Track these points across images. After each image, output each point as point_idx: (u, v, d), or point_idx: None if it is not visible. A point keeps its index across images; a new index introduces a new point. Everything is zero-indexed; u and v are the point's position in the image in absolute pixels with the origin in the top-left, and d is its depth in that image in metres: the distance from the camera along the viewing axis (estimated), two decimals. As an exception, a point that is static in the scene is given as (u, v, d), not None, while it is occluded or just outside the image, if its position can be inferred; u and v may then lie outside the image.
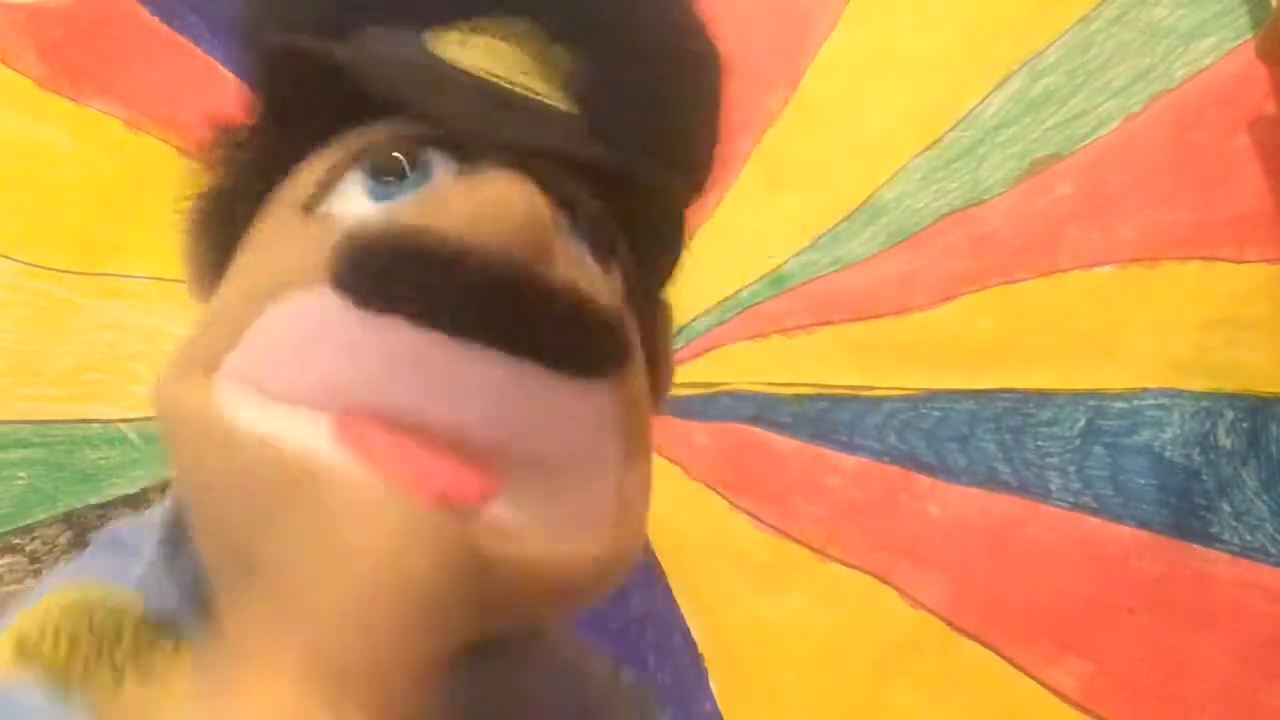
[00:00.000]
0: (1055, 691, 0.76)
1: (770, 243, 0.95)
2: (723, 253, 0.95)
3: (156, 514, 0.37)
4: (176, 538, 0.33)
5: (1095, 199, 0.91)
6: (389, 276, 0.28)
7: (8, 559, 0.83)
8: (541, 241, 0.29)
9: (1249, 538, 0.78)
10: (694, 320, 0.93)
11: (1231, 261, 0.87)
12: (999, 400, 0.86)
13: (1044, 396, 0.85)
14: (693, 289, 0.94)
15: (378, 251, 0.29)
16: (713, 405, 0.89)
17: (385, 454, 0.27)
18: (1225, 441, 0.81)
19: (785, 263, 0.94)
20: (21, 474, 0.86)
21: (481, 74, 0.35)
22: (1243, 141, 0.90)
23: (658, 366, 0.40)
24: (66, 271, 0.94)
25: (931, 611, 0.80)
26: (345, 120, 0.34)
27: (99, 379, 0.90)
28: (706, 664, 0.81)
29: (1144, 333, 0.86)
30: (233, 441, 0.28)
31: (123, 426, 0.88)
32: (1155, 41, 0.95)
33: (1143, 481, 0.81)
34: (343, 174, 0.32)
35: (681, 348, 0.92)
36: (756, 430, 0.88)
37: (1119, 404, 0.84)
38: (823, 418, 0.88)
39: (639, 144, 0.39)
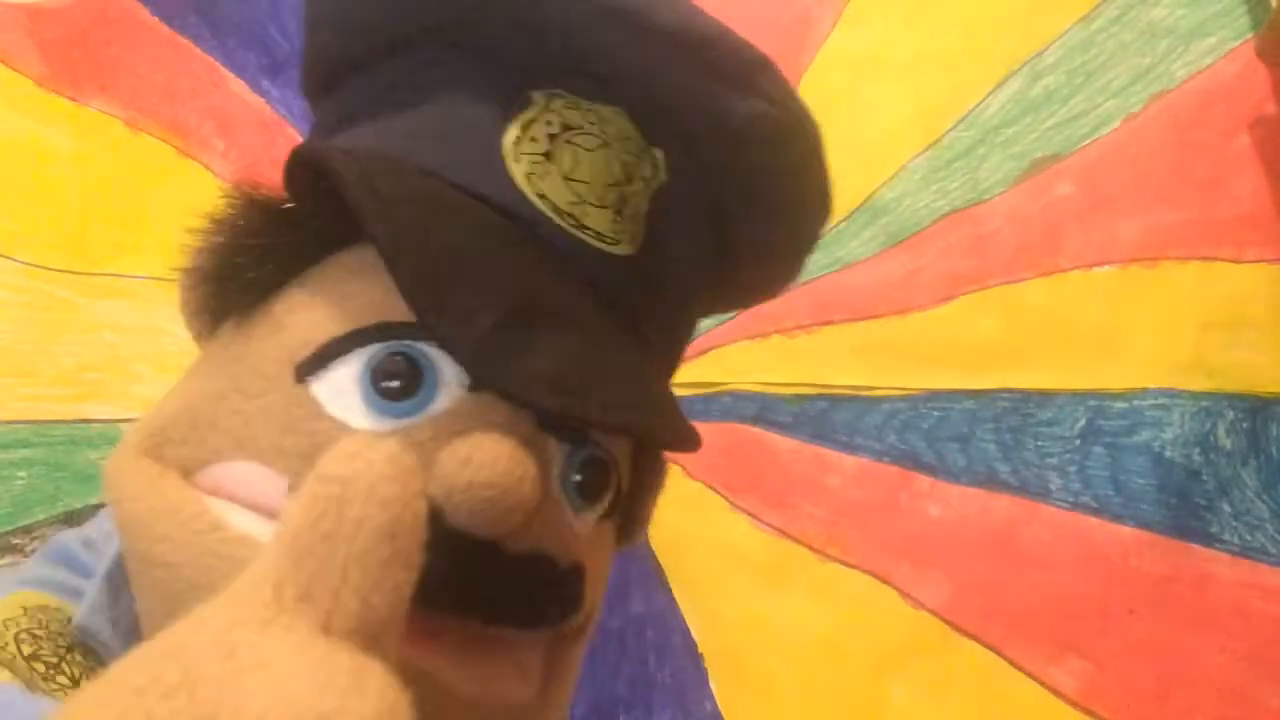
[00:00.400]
0: (1055, 691, 0.76)
1: (770, 243, 0.95)
2: (723, 253, 0.95)
3: (99, 528, 0.37)
4: (120, 579, 0.33)
5: (1095, 199, 0.91)
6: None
7: (8, 559, 0.83)
8: (516, 526, 0.29)
9: (1249, 538, 0.78)
10: (694, 320, 0.93)
11: (1231, 261, 0.86)
12: (999, 400, 0.86)
13: (1044, 396, 0.85)
14: (693, 289, 0.94)
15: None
16: (713, 405, 0.89)
17: None
18: (1225, 441, 0.81)
19: (785, 263, 0.94)
20: (21, 474, 0.86)
21: (545, 207, 0.33)
22: (1243, 141, 0.90)
23: (633, 524, 0.41)
24: (66, 271, 0.94)
25: (931, 611, 0.80)
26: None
27: (99, 379, 0.90)
28: (706, 664, 0.81)
29: (1144, 333, 0.86)
30: (218, 535, 0.28)
31: (123, 426, 0.88)
32: (1155, 41, 0.95)
33: (1143, 481, 0.81)
34: (343, 353, 0.31)
35: (681, 348, 0.92)
36: (756, 430, 0.88)
37: (1119, 404, 0.84)
38: (823, 418, 0.88)
39: (691, 288, 0.38)
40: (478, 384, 0.30)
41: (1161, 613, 0.77)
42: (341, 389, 0.30)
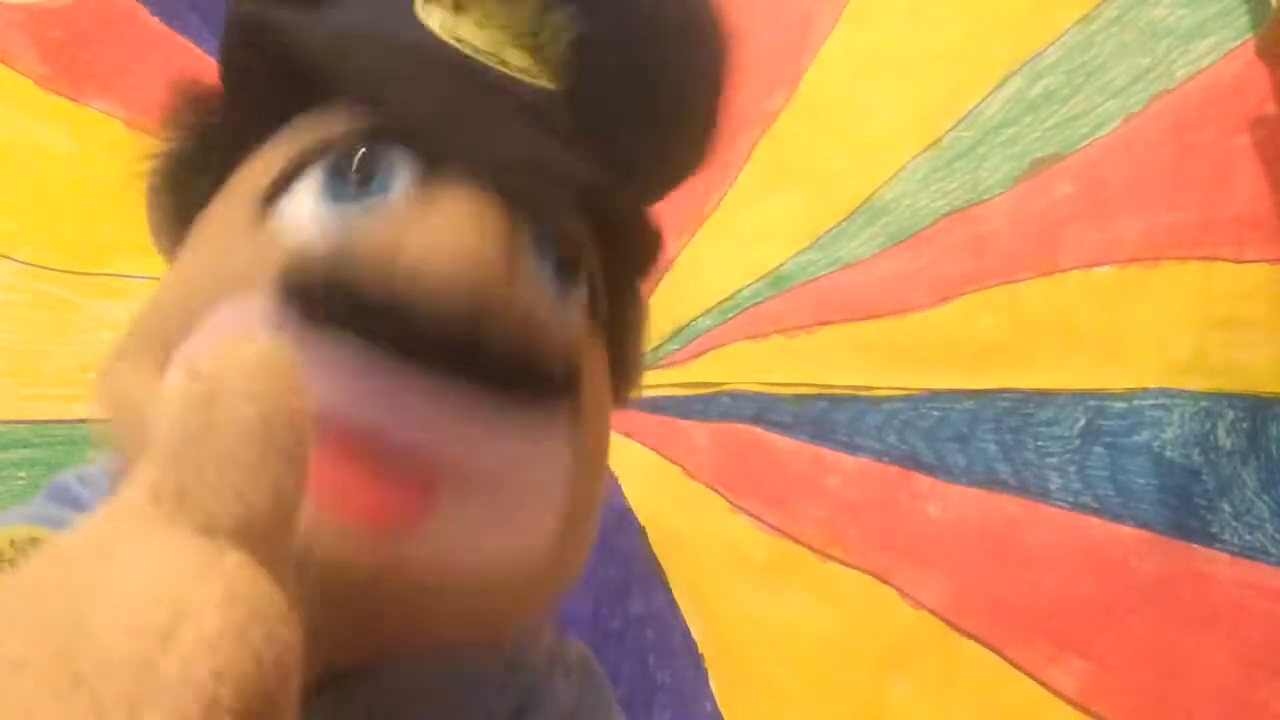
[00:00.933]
0: (1055, 691, 0.76)
1: (770, 243, 0.95)
2: (723, 253, 0.95)
3: (102, 468, 0.37)
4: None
5: (1095, 199, 0.91)
6: (334, 305, 0.28)
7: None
8: (494, 281, 0.28)
9: (1249, 538, 0.78)
10: (694, 320, 0.93)
11: (1231, 261, 0.86)
12: (999, 400, 0.86)
13: (1044, 396, 0.85)
14: (693, 289, 0.94)
15: (322, 279, 0.28)
16: (713, 405, 0.89)
17: (315, 475, 0.25)
18: (1225, 441, 0.81)
19: (785, 263, 0.94)
20: (21, 474, 0.86)
21: (465, 49, 0.34)
22: (1243, 141, 0.90)
23: (625, 366, 0.39)
24: (66, 271, 0.94)
25: (931, 611, 0.80)
26: (315, 96, 0.33)
27: (99, 379, 0.90)
28: (706, 664, 0.81)
29: (1144, 333, 0.86)
30: None
31: (123, 426, 0.88)
32: (1155, 41, 0.95)
33: (1143, 481, 0.81)
34: (301, 170, 0.31)
35: (681, 348, 0.92)
36: (756, 430, 0.88)
37: (1119, 404, 0.84)
38: (823, 418, 0.88)
39: (623, 125, 0.38)
40: (432, 167, 0.31)
41: (1161, 613, 0.77)
42: (304, 199, 0.30)
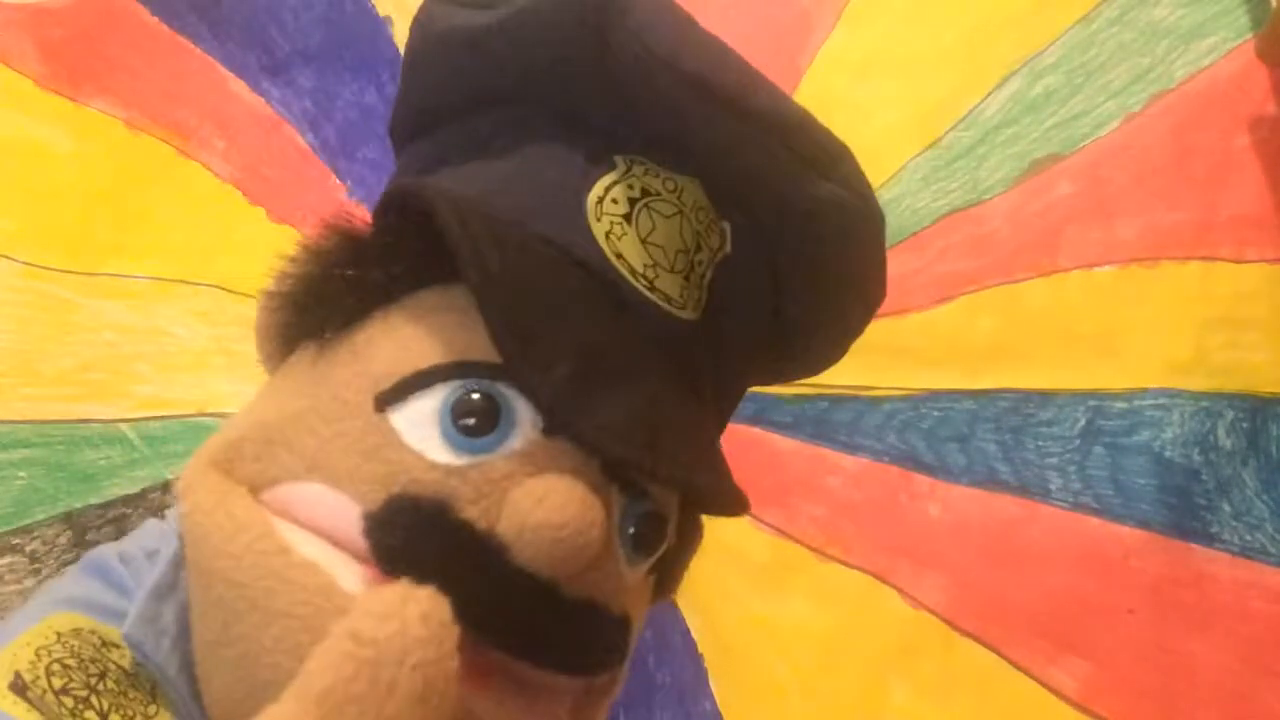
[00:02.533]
0: (1055, 691, 0.76)
1: (770, 243, 0.95)
2: (723, 253, 0.95)
3: (140, 546, 0.37)
4: (165, 591, 0.34)
5: (1095, 199, 0.91)
6: (417, 562, 0.28)
7: (8, 559, 0.83)
8: (580, 569, 0.30)
9: (1249, 538, 0.78)
10: (694, 320, 0.93)
11: (1231, 261, 0.86)
12: (999, 400, 0.86)
13: (1044, 396, 0.85)
14: (693, 289, 0.94)
15: (416, 534, 0.29)
16: (713, 405, 0.89)
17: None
18: (1225, 441, 0.81)
19: (785, 263, 0.94)
20: (21, 474, 0.86)
21: (622, 268, 0.34)
22: (1243, 141, 0.90)
23: (670, 579, 0.43)
24: (66, 271, 0.94)
25: (931, 611, 0.80)
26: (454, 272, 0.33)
27: (99, 379, 0.90)
28: (706, 664, 0.81)
29: (1144, 333, 0.86)
30: (285, 558, 0.29)
31: (123, 426, 0.88)
32: (1155, 41, 0.95)
33: (1143, 481, 0.81)
34: (425, 387, 0.32)
35: (681, 348, 0.92)
36: (756, 430, 0.88)
37: (1119, 404, 0.84)
38: (823, 418, 0.88)
39: (747, 353, 0.40)
40: (552, 429, 0.31)
41: (1161, 613, 0.77)
42: (420, 421, 0.31)
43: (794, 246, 0.39)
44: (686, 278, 0.36)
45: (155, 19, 1.04)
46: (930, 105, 0.97)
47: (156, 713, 0.31)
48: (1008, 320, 0.89)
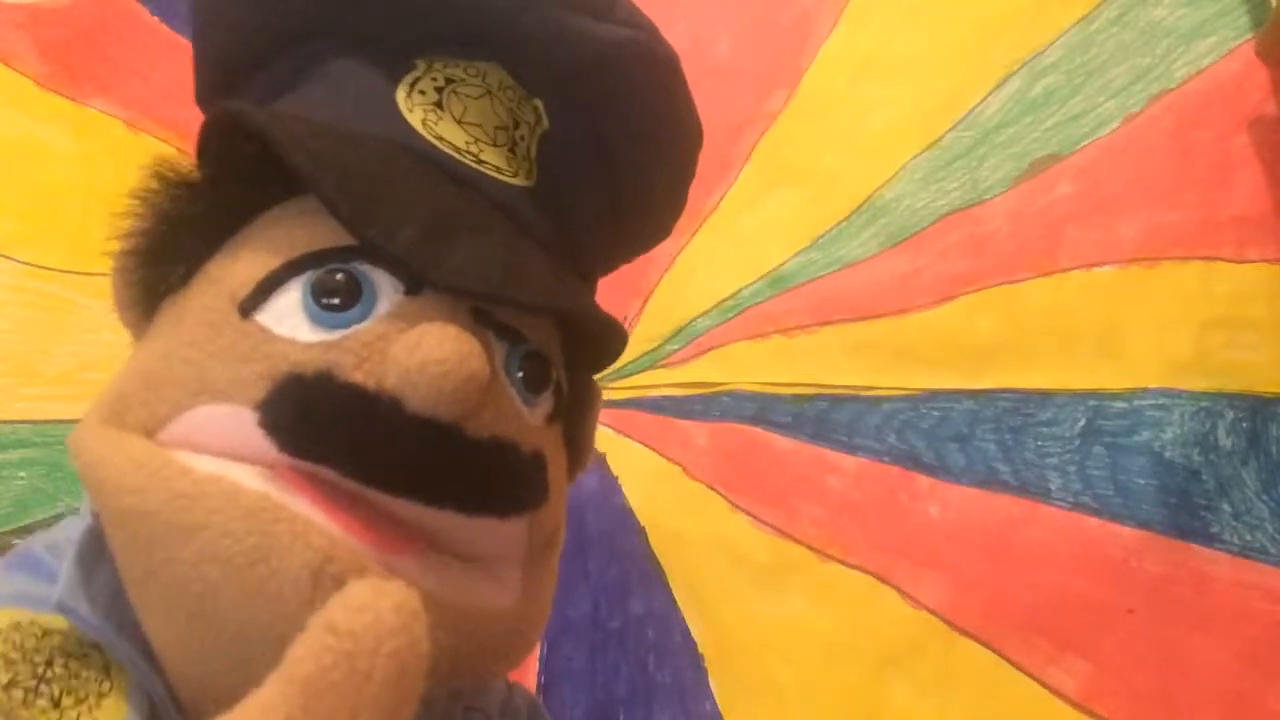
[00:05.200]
0: (1055, 691, 0.76)
1: (770, 243, 0.95)
2: (723, 253, 0.95)
3: (65, 532, 0.37)
4: (90, 558, 0.34)
5: (1095, 199, 0.91)
6: (319, 433, 0.29)
7: (8, 559, 0.83)
8: (473, 403, 0.30)
9: (1249, 538, 0.78)
10: (694, 320, 0.93)
11: (1231, 261, 0.86)
12: (999, 400, 0.86)
13: (1044, 396, 0.85)
14: (693, 289, 0.94)
15: (310, 408, 0.30)
16: (713, 405, 0.89)
17: (326, 499, 0.28)
18: (1225, 441, 0.81)
19: (785, 263, 0.94)
20: (21, 474, 0.86)
21: (445, 147, 0.35)
22: (1243, 141, 0.90)
23: (579, 448, 0.42)
24: (66, 271, 0.94)
25: (931, 611, 0.80)
26: (291, 189, 0.34)
27: (99, 379, 0.90)
28: (706, 664, 0.81)
29: (1144, 333, 0.86)
30: (188, 478, 0.29)
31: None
32: (1155, 41, 0.95)
33: (1143, 481, 0.81)
34: (284, 281, 0.32)
35: (682, 348, 0.92)
36: (756, 430, 0.88)
37: (1119, 404, 0.84)
38: (823, 418, 0.88)
39: (589, 221, 0.40)
40: (412, 286, 0.32)
41: (1161, 613, 0.77)
42: (286, 314, 0.32)
43: (600, 98, 0.39)
44: (511, 150, 0.37)
45: (155, 19, 1.04)
46: (930, 105, 0.97)
47: (110, 688, 0.31)
48: (1008, 320, 0.89)
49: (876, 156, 0.96)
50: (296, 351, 0.31)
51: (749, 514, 0.85)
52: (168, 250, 0.36)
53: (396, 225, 0.31)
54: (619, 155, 0.41)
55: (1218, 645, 0.76)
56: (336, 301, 0.31)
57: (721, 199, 0.97)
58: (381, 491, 0.29)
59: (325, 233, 0.33)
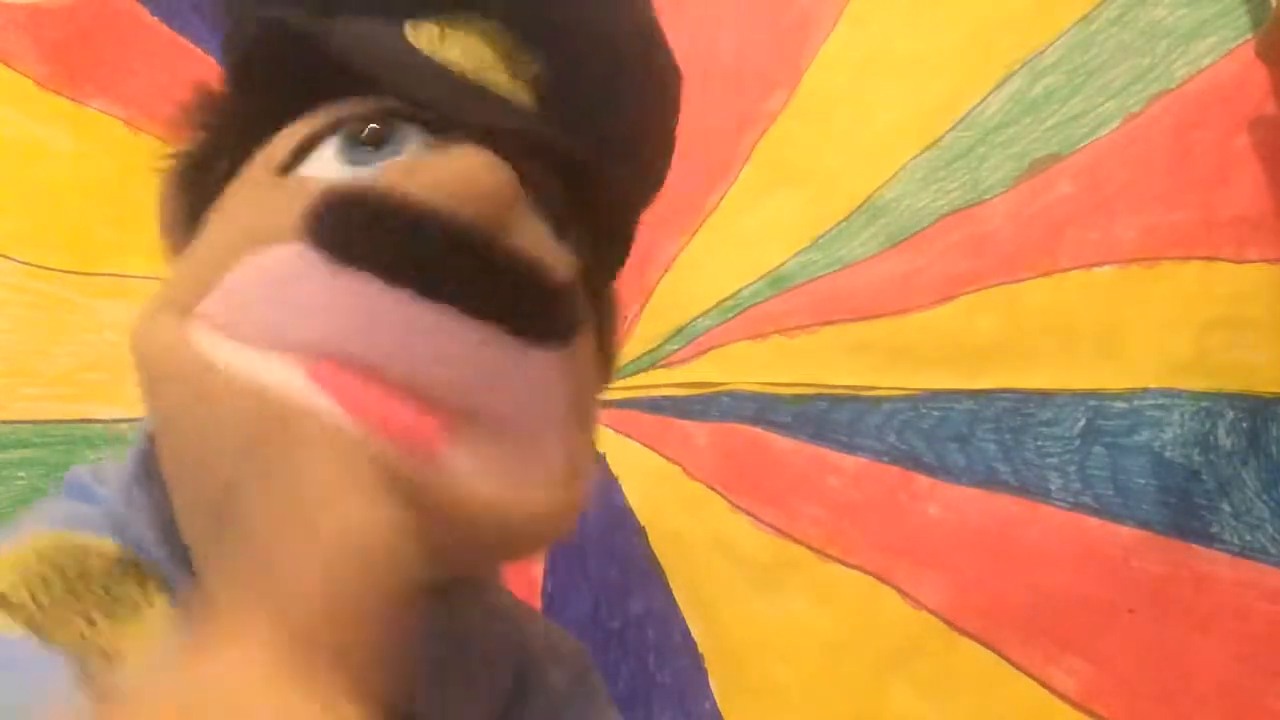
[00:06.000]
0: (1055, 691, 0.76)
1: (770, 243, 0.95)
2: (723, 253, 0.95)
3: (114, 462, 0.38)
4: (146, 475, 0.34)
5: (1095, 199, 0.91)
6: (360, 234, 0.29)
7: (8, 559, 0.83)
8: (504, 211, 0.31)
9: (1249, 538, 0.78)
10: (694, 320, 0.93)
11: (1231, 261, 0.86)
12: (999, 400, 0.86)
13: (1044, 396, 0.85)
14: (693, 289, 0.94)
15: (350, 210, 0.30)
16: (713, 405, 0.89)
17: (354, 398, 0.28)
18: (1225, 441, 0.81)
19: (785, 263, 0.94)
20: (21, 474, 0.86)
21: (453, 68, 0.36)
22: (1243, 141, 0.90)
23: (606, 347, 0.42)
24: (66, 271, 0.94)
25: (931, 611, 0.80)
26: (322, 95, 0.35)
27: (99, 379, 0.90)
28: (706, 664, 0.81)
29: (1144, 333, 0.86)
30: (208, 379, 0.28)
31: (123, 426, 0.88)
32: (1155, 41, 0.95)
33: (1143, 481, 0.81)
34: (319, 140, 0.34)
35: (681, 348, 0.92)
36: (756, 430, 0.88)
37: (1119, 404, 0.84)
38: (823, 418, 0.88)
39: (591, 143, 0.40)
40: (440, 127, 0.34)
41: (1161, 613, 0.77)
42: (323, 164, 0.33)
43: (586, 49, 0.40)
44: (513, 78, 0.38)
45: (155, 19, 1.04)
46: (930, 105, 0.97)
47: (150, 609, 0.31)
48: (1008, 320, 0.89)
49: (876, 156, 0.96)
50: (334, 178, 0.32)
51: (749, 514, 0.85)
52: (207, 163, 0.37)
53: (427, 84, 0.34)
54: (604, 90, 0.41)
55: (1218, 645, 0.76)
56: (368, 140, 0.33)
57: (721, 199, 0.97)
58: (421, 295, 0.29)
59: (359, 105, 0.34)
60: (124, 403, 0.89)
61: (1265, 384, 0.82)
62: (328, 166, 0.33)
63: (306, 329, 0.29)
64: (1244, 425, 0.81)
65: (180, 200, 0.38)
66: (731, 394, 0.90)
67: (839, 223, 0.94)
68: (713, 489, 0.86)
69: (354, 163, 0.33)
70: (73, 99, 1.00)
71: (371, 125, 0.33)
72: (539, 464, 0.32)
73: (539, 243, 0.33)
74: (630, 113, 0.43)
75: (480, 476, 0.30)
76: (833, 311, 0.91)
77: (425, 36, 0.37)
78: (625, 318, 0.93)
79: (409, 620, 0.24)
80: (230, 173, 0.36)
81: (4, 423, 0.88)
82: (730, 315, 0.93)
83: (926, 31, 1.00)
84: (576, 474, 0.34)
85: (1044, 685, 0.77)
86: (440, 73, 0.36)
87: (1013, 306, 0.89)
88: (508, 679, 0.39)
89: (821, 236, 0.94)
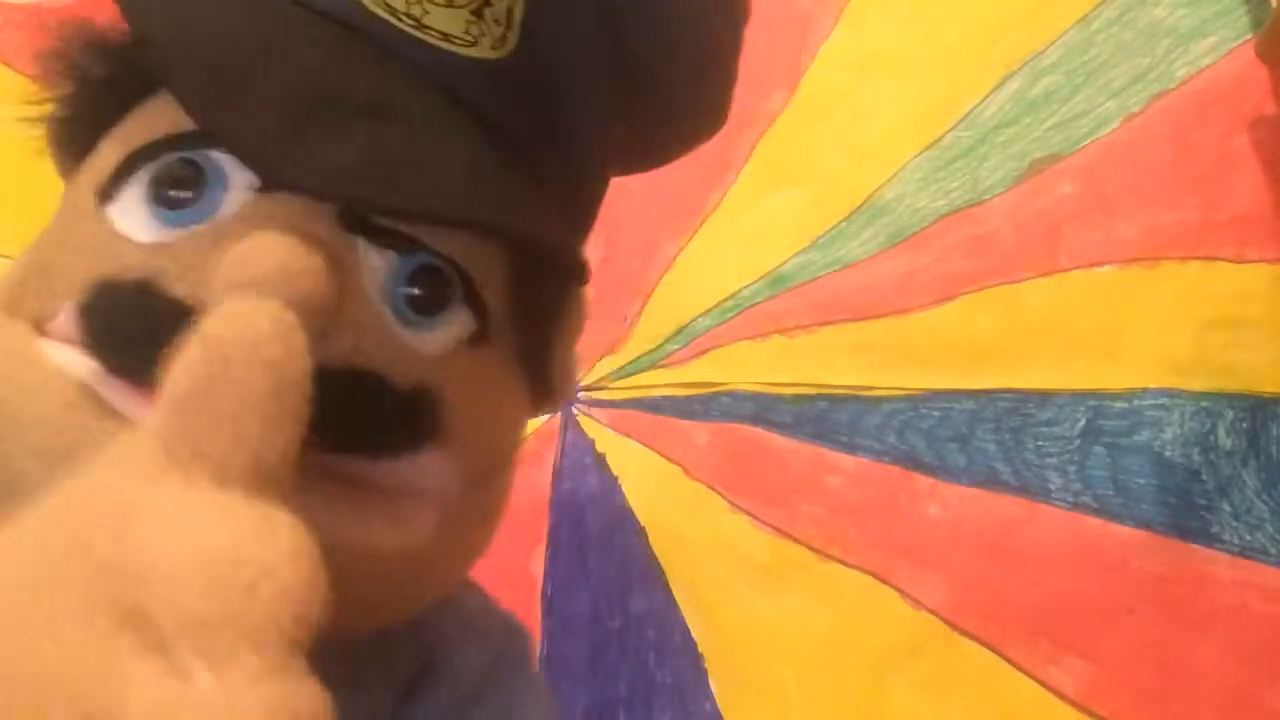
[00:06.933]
0: (1055, 691, 0.76)
1: (770, 243, 0.95)
2: (722, 253, 0.95)
3: None
4: None
5: (1095, 199, 0.91)
6: (127, 351, 0.27)
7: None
8: (317, 318, 0.26)
9: (1249, 538, 0.78)
10: (694, 320, 0.93)
11: (1231, 261, 0.87)
12: (999, 400, 0.86)
13: (1044, 396, 0.85)
14: (693, 289, 0.94)
15: (120, 321, 0.28)
16: (713, 405, 0.89)
17: None
18: (1225, 441, 0.81)
19: (785, 263, 0.94)
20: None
21: (378, 8, 0.30)
22: (1243, 141, 0.90)
23: (545, 374, 0.37)
24: (66, 271, 0.94)
25: (931, 611, 0.80)
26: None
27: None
28: (706, 664, 0.81)
29: (1144, 333, 0.86)
30: (37, 369, 0.28)
31: (123, 426, 0.88)
32: (1155, 41, 0.95)
33: (1143, 481, 0.81)
34: (134, 170, 0.30)
35: (681, 348, 0.92)
36: (756, 430, 0.88)
37: (1119, 404, 0.84)
38: (823, 418, 0.88)
39: (591, 103, 0.34)
40: (265, 183, 0.28)
41: (1161, 613, 0.77)
42: (131, 207, 0.29)
43: None
44: (476, 13, 0.31)
45: (155, 19, 1.04)
46: (930, 105, 0.97)
47: None
48: (1008, 320, 0.89)
49: (876, 156, 0.96)
50: (127, 253, 0.28)
51: (749, 514, 0.85)
52: (78, 115, 0.35)
53: (257, 109, 0.27)
54: (633, 23, 0.34)
55: (1218, 645, 0.76)
56: (177, 194, 0.28)
57: (721, 199, 0.97)
58: None
59: (177, 117, 0.29)
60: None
61: (1265, 384, 0.82)
62: (136, 216, 0.29)
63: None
64: (1244, 425, 0.81)
65: (58, 139, 0.36)
66: (731, 394, 0.90)
67: (839, 223, 0.94)
68: (713, 489, 0.86)
69: (158, 220, 0.28)
70: (73, 99, 1.00)
71: (182, 168, 0.28)
72: (391, 522, 0.30)
73: (374, 341, 0.29)
74: (669, 39, 0.36)
75: (347, 526, 0.28)
76: (832, 311, 0.91)
77: None
78: (625, 318, 0.93)
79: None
80: (97, 133, 0.33)
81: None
82: (730, 315, 0.93)
83: (926, 31, 1.00)
84: (457, 530, 0.32)
85: (1044, 685, 0.77)
86: (294, 75, 0.28)
87: (1013, 306, 0.89)
88: (409, 666, 0.36)
89: (821, 236, 0.94)
